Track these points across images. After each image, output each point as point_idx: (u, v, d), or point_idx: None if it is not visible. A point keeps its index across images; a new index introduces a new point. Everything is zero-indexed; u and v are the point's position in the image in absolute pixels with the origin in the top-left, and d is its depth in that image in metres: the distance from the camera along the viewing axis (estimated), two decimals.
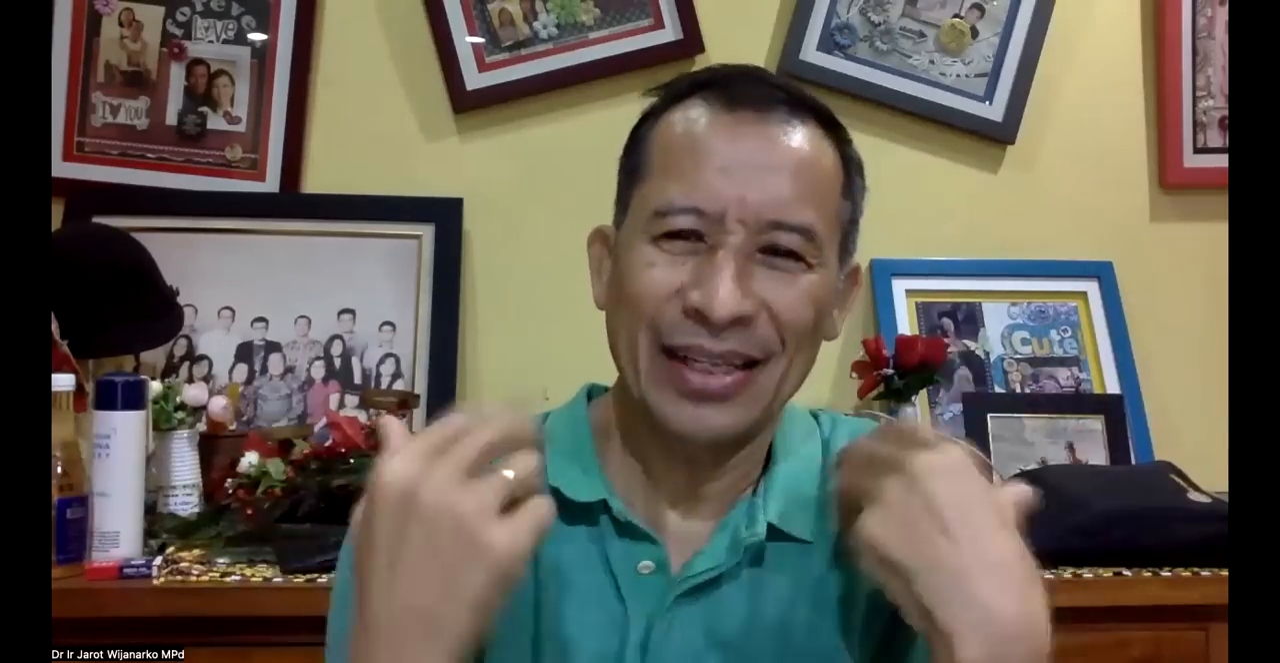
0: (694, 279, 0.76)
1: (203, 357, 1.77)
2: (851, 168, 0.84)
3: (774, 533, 0.81)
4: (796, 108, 0.80)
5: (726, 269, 0.75)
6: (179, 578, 1.29)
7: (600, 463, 0.84)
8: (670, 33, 1.89)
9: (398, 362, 1.79)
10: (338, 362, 1.79)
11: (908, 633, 0.77)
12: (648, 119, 0.83)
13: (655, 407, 0.78)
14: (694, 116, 0.79)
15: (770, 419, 0.82)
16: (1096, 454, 1.77)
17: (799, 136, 0.79)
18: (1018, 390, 1.87)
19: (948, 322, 1.90)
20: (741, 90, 0.79)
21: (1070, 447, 1.78)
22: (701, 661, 0.78)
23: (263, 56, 1.87)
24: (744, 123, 0.78)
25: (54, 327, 1.47)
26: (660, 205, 0.77)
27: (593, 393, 0.90)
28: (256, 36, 1.87)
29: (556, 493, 0.81)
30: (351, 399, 1.76)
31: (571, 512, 0.81)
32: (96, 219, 1.76)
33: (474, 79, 1.88)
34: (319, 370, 1.78)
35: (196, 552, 1.38)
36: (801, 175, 0.77)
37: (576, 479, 0.82)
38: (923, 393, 1.79)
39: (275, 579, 1.29)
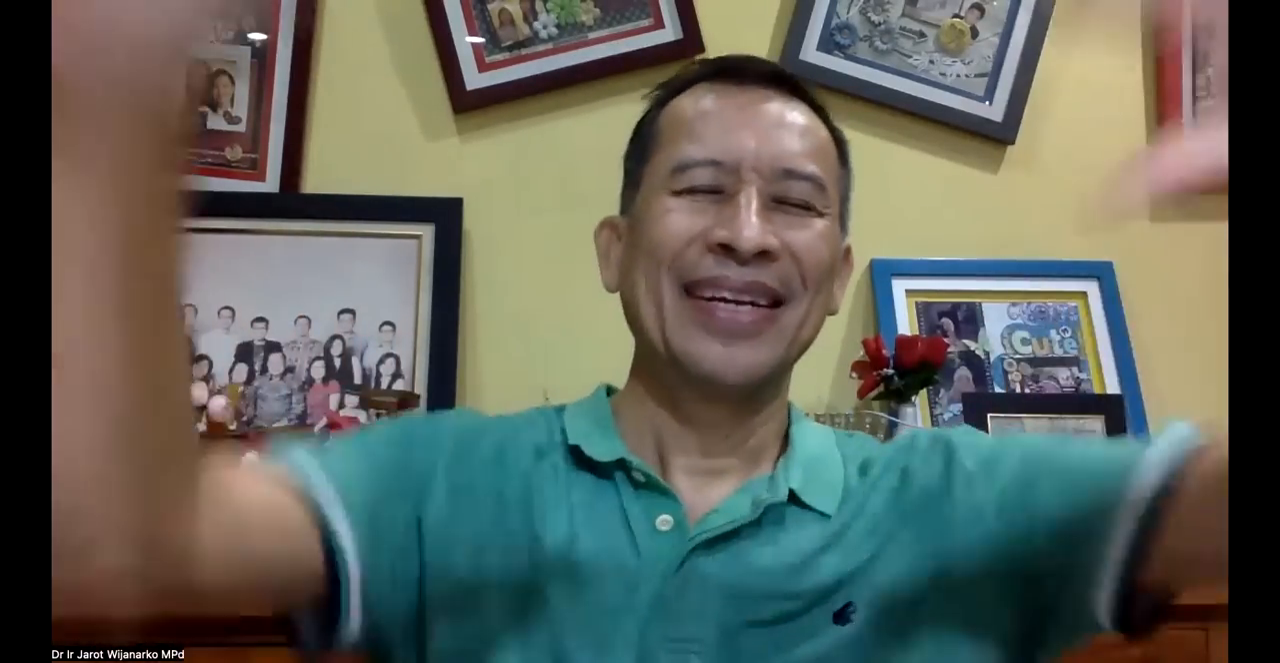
0: (718, 220, 0.80)
1: (203, 357, 1.77)
2: (843, 146, 0.90)
3: (795, 501, 0.82)
4: (794, 86, 0.87)
5: (750, 206, 0.79)
6: None
7: (620, 432, 0.85)
8: (670, 33, 1.89)
9: (398, 362, 1.79)
10: (338, 362, 1.79)
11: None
12: (652, 109, 0.88)
13: (683, 350, 0.80)
14: (701, 95, 0.85)
15: (788, 366, 0.84)
16: None
17: (800, 107, 0.86)
18: (1018, 390, 1.87)
19: (948, 322, 1.90)
20: (743, 71, 0.86)
21: None
22: (717, 613, 0.78)
23: (263, 56, 1.87)
24: (749, 91, 0.84)
25: None
26: (678, 162, 0.82)
27: (610, 391, 0.92)
28: (256, 36, 1.87)
29: (577, 451, 0.84)
30: (351, 399, 1.76)
31: (591, 470, 0.83)
32: None
33: (474, 79, 1.88)
34: (319, 370, 1.79)
35: None
36: (806, 136, 0.84)
37: (596, 440, 0.84)
38: (923, 393, 1.79)
39: None
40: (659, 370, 0.83)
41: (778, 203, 0.81)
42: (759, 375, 0.81)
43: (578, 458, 0.84)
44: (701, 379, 0.80)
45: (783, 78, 0.87)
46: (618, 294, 0.87)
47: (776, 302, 0.80)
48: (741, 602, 0.78)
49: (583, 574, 0.79)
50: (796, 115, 0.85)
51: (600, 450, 0.83)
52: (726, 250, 0.78)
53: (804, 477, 0.83)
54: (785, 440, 0.88)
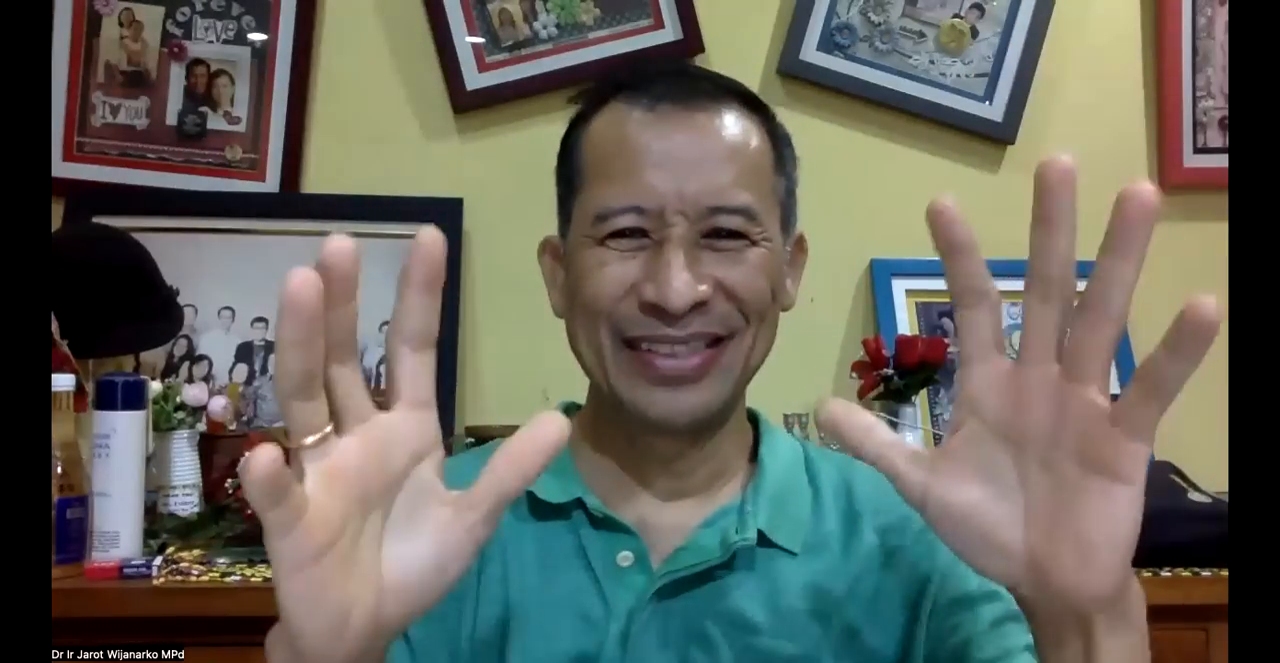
0: (646, 274, 0.77)
1: (203, 357, 1.77)
2: (780, 143, 0.84)
3: (762, 540, 0.81)
4: (717, 95, 0.81)
5: (676, 260, 0.76)
6: (179, 578, 1.29)
7: (576, 468, 0.84)
8: (670, 33, 1.89)
9: None
10: None
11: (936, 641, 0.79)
12: (574, 127, 0.85)
13: (627, 398, 0.78)
14: (619, 119, 0.81)
15: (738, 397, 0.83)
16: None
17: (724, 122, 0.80)
18: None
19: (948, 322, 1.90)
20: (661, 86, 0.80)
21: None
22: (683, 654, 0.78)
23: (263, 56, 1.87)
24: (668, 118, 0.79)
25: (54, 327, 1.47)
26: (600, 209, 0.79)
27: (569, 410, 0.90)
28: (256, 36, 1.87)
29: (530, 497, 0.82)
30: None
31: (546, 514, 0.82)
32: (96, 219, 1.76)
33: (474, 79, 1.88)
34: None
35: (196, 552, 1.38)
36: (733, 160, 0.79)
37: (550, 482, 0.82)
38: (923, 393, 1.79)
39: None
40: (609, 406, 0.82)
41: (709, 237, 0.78)
42: (707, 416, 0.79)
43: (533, 501, 0.83)
44: (649, 425, 0.79)
45: (704, 84, 0.82)
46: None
47: (717, 339, 0.78)
48: (707, 645, 0.78)
49: (550, 621, 0.79)
50: (723, 132, 0.79)
51: (554, 492, 0.82)
52: (658, 310, 0.76)
53: (771, 512, 0.82)
54: (754, 456, 0.86)
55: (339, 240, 0.49)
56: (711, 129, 0.79)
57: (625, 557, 0.80)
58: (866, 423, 0.57)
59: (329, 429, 0.50)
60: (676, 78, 0.82)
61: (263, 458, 0.46)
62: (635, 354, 0.78)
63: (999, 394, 0.55)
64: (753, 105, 0.83)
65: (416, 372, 0.52)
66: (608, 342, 0.79)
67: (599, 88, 0.84)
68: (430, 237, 0.50)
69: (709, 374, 0.78)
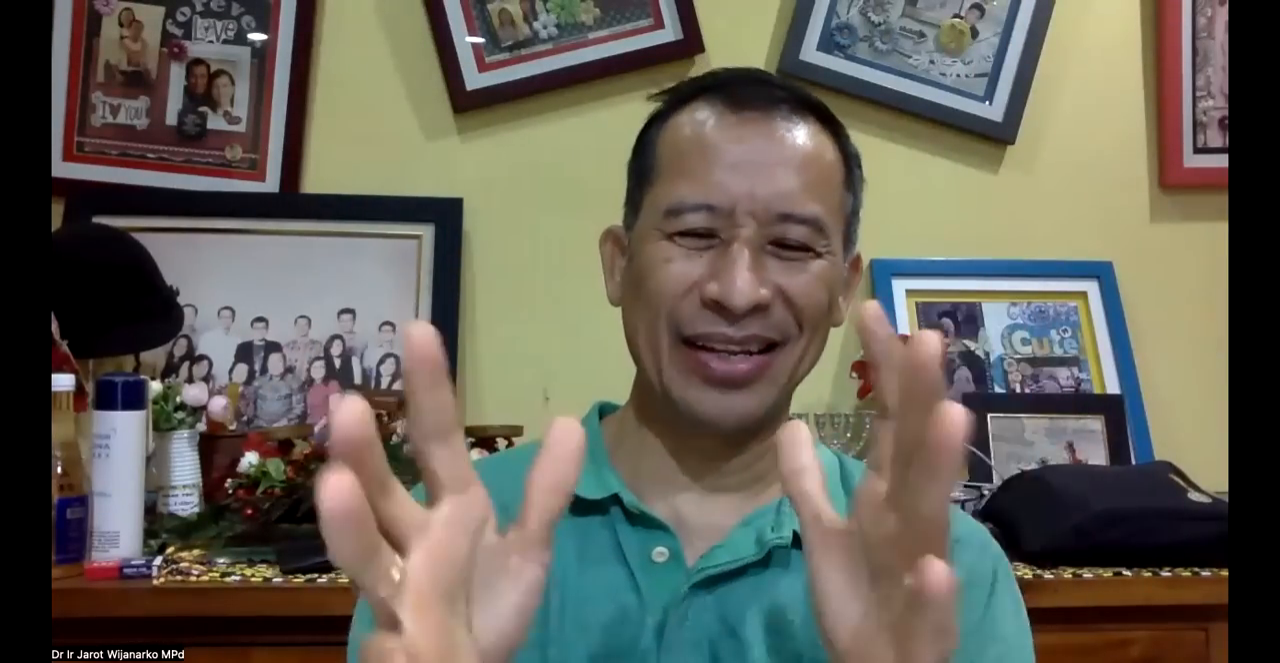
0: (710, 272, 0.79)
1: (203, 357, 1.77)
2: (851, 162, 0.87)
3: (797, 541, 0.80)
4: (797, 107, 0.83)
5: (742, 260, 0.78)
6: (179, 578, 1.29)
7: (613, 464, 0.85)
8: (670, 33, 1.89)
9: (398, 362, 1.79)
10: (338, 362, 1.79)
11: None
12: (654, 123, 0.86)
13: (679, 395, 0.80)
14: (700, 118, 0.82)
15: (786, 403, 0.84)
16: (1096, 454, 1.77)
17: (802, 133, 0.82)
18: (1018, 391, 1.87)
19: (948, 322, 1.90)
20: (745, 91, 0.83)
21: (1070, 447, 1.78)
22: (717, 650, 0.79)
23: (263, 56, 1.87)
24: (749, 122, 0.81)
25: (54, 327, 1.47)
26: (672, 204, 0.80)
27: (604, 410, 0.91)
28: (256, 36, 1.87)
29: None
30: None
31: (583, 510, 0.83)
32: (96, 219, 1.76)
33: (474, 79, 1.88)
34: (319, 370, 1.79)
35: (196, 552, 1.38)
36: (806, 170, 0.81)
37: (586, 478, 0.82)
38: None
39: (275, 579, 1.29)
40: (657, 402, 0.83)
41: (775, 246, 0.80)
42: (755, 420, 0.81)
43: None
44: (697, 424, 0.81)
45: (786, 93, 0.84)
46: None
47: (770, 345, 0.80)
48: (740, 642, 0.79)
49: (586, 614, 0.80)
50: (799, 142, 0.81)
51: (591, 488, 0.82)
52: (719, 306, 0.78)
53: None
54: None
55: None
56: (789, 137, 0.81)
57: (661, 552, 0.81)
58: (805, 464, 0.59)
59: (399, 564, 0.48)
60: (760, 85, 0.84)
61: None
62: (691, 352, 0.79)
63: (872, 506, 0.57)
64: (828, 121, 0.85)
65: (452, 460, 0.51)
66: (666, 338, 0.80)
67: (681, 87, 0.86)
68: (420, 333, 0.48)
69: (759, 380, 0.80)
